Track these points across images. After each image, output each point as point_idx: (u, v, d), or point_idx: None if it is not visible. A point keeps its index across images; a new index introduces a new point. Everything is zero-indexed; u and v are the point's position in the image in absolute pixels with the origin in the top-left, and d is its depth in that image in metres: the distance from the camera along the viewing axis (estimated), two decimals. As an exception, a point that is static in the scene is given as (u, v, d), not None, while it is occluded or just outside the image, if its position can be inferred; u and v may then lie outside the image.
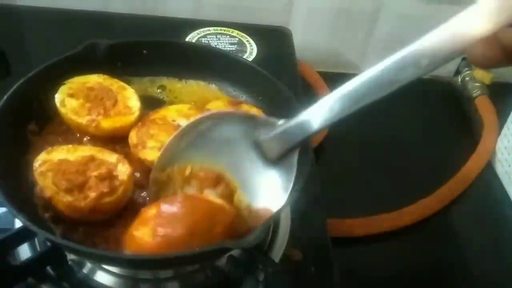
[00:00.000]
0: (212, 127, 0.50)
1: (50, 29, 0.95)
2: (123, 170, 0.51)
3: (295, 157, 0.49)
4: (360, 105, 0.44)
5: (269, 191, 0.50)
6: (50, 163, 0.50)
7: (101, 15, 1.00)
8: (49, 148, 0.52)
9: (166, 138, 0.54)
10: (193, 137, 0.50)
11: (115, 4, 1.01)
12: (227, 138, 0.50)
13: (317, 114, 0.45)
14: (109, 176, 0.50)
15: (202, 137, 0.50)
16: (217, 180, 0.51)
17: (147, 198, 0.53)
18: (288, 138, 0.47)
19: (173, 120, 0.59)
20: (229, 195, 0.51)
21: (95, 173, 0.50)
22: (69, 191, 0.48)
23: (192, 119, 0.51)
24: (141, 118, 0.59)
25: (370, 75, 0.42)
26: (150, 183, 0.51)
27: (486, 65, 0.36)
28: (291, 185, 0.49)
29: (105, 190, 0.49)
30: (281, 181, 0.49)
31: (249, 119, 0.50)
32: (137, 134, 0.57)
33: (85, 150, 0.53)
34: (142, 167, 0.55)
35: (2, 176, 0.47)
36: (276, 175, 0.50)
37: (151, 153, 0.55)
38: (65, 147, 0.53)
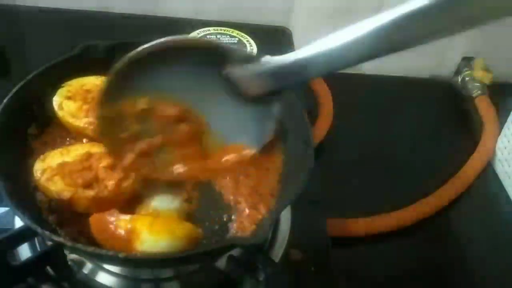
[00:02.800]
0: (174, 55, 0.42)
1: (50, 29, 0.95)
2: (127, 156, 0.51)
3: (275, 106, 0.42)
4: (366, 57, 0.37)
5: (245, 129, 0.43)
6: (50, 169, 0.50)
7: (101, 15, 1.00)
8: (41, 156, 0.52)
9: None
10: (149, 65, 0.42)
11: (115, 4, 1.01)
12: (192, 70, 0.42)
13: (315, 60, 0.38)
14: (117, 163, 0.50)
15: (162, 66, 0.42)
16: (180, 117, 0.44)
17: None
18: (273, 80, 0.40)
19: None
20: (197, 134, 0.44)
21: (102, 164, 0.50)
22: (87, 186, 0.49)
23: (148, 44, 0.42)
24: None
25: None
26: (95, 121, 0.45)
27: None
28: (266, 136, 0.43)
29: (121, 175, 0.49)
30: (255, 128, 0.43)
31: (221, 51, 0.41)
32: None
33: (78, 149, 0.53)
34: None
35: (5, 180, 0.47)
36: (252, 114, 0.43)
37: None
38: (57, 151, 0.53)
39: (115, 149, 0.45)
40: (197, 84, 0.43)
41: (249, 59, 0.41)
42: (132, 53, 0.42)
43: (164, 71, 0.42)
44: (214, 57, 0.41)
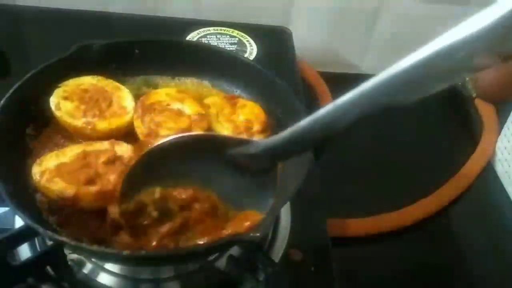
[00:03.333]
0: (178, 149, 0.48)
1: (50, 29, 0.95)
2: (124, 149, 0.53)
3: (276, 170, 0.47)
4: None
5: (252, 198, 0.48)
6: (49, 171, 0.50)
7: (101, 15, 1.00)
8: (37, 160, 0.52)
9: (175, 125, 0.57)
10: (157, 161, 0.48)
11: (115, 4, 1.01)
12: (196, 157, 0.48)
13: (309, 130, 0.39)
14: (116, 158, 0.51)
15: (168, 159, 0.48)
16: (194, 197, 0.49)
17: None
18: (266, 158, 0.45)
19: (168, 105, 0.60)
20: (212, 209, 0.49)
21: (101, 160, 0.51)
22: (90, 182, 0.49)
23: (155, 144, 0.48)
24: (136, 105, 0.60)
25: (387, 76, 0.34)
26: (119, 218, 0.48)
27: (494, 96, 0.32)
28: (271, 200, 0.48)
29: (122, 168, 0.50)
30: (263, 189, 0.48)
31: (219, 139, 0.49)
32: (143, 123, 0.58)
33: (73, 149, 0.54)
34: None
35: (5, 180, 0.47)
36: (257, 183, 0.48)
37: None
38: (52, 153, 0.53)
39: (140, 235, 0.49)
40: (203, 167, 0.48)
41: (243, 143, 0.46)
42: (140, 156, 0.48)
43: (172, 162, 0.48)
44: (214, 143, 0.48)
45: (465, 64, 0.29)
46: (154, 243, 0.48)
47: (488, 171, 0.86)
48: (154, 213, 0.49)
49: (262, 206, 0.48)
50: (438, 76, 0.31)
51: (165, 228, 0.48)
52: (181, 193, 0.49)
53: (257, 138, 0.48)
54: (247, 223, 0.48)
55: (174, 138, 0.48)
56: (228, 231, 0.49)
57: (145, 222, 0.49)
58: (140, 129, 0.58)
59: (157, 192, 0.48)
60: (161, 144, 0.47)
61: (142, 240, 0.48)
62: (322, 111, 0.38)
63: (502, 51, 0.27)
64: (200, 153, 0.48)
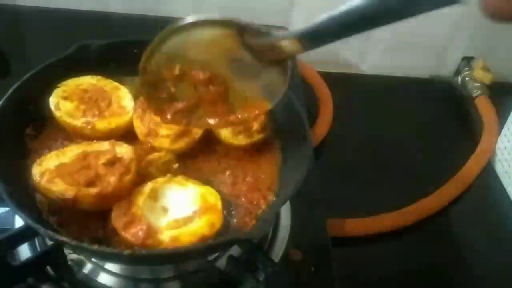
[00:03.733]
0: (198, 32, 0.51)
1: (49, 29, 0.95)
2: (124, 150, 0.53)
3: (289, 63, 0.50)
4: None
5: (264, 87, 0.52)
6: (49, 171, 0.50)
7: (101, 15, 1.00)
8: (37, 160, 0.52)
9: (175, 125, 0.57)
10: (178, 41, 0.51)
11: (115, 4, 1.01)
12: (216, 42, 0.51)
13: (315, 33, 0.45)
14: (116, 159, 0.51)
15: (189, 41, 0.51)
16: (211, 79, 0.52)
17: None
18: (282, 48, 0.47)
19: None
20: (224, 93, 0.53)
21: (101, 161, 0.51)
22: (90, 184, 0.49)
23: (177, 24, 0.51)
24: (136, 104, 0.60)
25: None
26: (140, 87, 0.53)
27: (502, 13, 0.30)
28: (284, 85, 0.51)
29: (121, 170, 0.50)
30: (274, 80, 0.51)
31: (239, 25, 0.50)
32: (143, 123, 0.58)
33: (73, 149, 0.53)
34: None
35: (5, 181, 0.47)
36: (269, 74, 0.51)
37: (165, 141, 0.56)
38: (52, 154, 0.53)
39: (157, 107, 0.54)
40: (220, 53, 0.51)
41: (261, 31, 0.48)
42: (166, 30, 0.50)
43: (194, 43, 0.51)
44: (234, 29, 0.50)
45: None
46: (169, 117, 0.54)
47: (488, 171, 0.86)
48: (172, 88, 0.53)
49: (272, 96, 0.52)
50: None
51: (180, 105, 0.54)
52: (199, 74, 0.52)
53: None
54: (254, 109, 0.53)
55: (196, 19, 0.51)
56: (237, 116, 0.53)
57: (163, 96, 0.53)
58: (140, 129, 0.58)
59: (177, 68, 0.52)
60: (184, 23, 0.50)
61: (159, 113, 0.54)
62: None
63: None
64: (220, 36, 0.50)
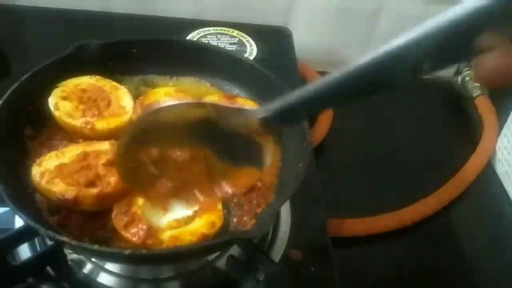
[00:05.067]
0: (171, 115, 0.47)
1: (49, 29, 0.95)
2: None
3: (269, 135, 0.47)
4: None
5: (249, 155, 0.48)
6: (49, 172, 0.50)
7: (100, 15, 1.00)
8: (37, 161, 0.52)
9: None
10: (152, 125, 0.48)
11: (115, 4, 1.01)
12: (190, 123, 0.47)
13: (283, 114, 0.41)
14: None
15: (163, 123, 0.48)
16: (192, 158, 0.49)
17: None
18: (260, 126, 0.44)
19: None
20: (208, 171, 0.50)
21: (102, 162, 0.51)
22: (90, 184, 0.49)
23: (150, 110, 0.49)
24: (135, 104, 0.60)
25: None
26: (117, 171, 0.49)
27: (494, 82, 0.31)
28: (270, 152, 0.48)
29: None
30: (258, 147, 0.48)
31: (213, 107, 0.47)
32: None
33: (73, 150, 0.53)
34: None
35: (5, 181, 0.47)
36: (252, 143, 0.47)
37: None
38: (52, 154, 0.53)
39: (142, 191, 0.50)
40: (197, 131, 0.48)
41: (237, 112, 0.46)
42: (137, 120, 0.49)
43: (167, 127, 0.47)
44: (206, 112, 0.46)
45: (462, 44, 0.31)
46: (158, 199, 0.50)
47: (488, 171, 0.86)
48: (152, 169, 0.49)
49: (259, 163, 0.48)
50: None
51: (164, 189, 0.50)
52: (178, 155, 0.49)
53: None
54: (243, 180, 0.50)
55: (168, 106, 0.47)
56: (225, 187, 0.50)
57: (143, 179, 0.49)
58: None
59: (155, 153, 0.49)
60: (156, 110, 0.47)
61: (143, 195, 0.50)
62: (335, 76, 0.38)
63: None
64: (196, 119, 0.47)
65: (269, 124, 0.43)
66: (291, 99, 0.41)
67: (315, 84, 0.39)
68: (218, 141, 0.48)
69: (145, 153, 0.49)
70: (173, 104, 0.47)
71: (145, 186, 0.50)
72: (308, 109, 0.42)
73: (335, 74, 0.37)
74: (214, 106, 0.47)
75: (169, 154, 0.49)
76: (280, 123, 0.44)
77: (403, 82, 0.35)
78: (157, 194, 0.50)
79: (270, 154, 0.48)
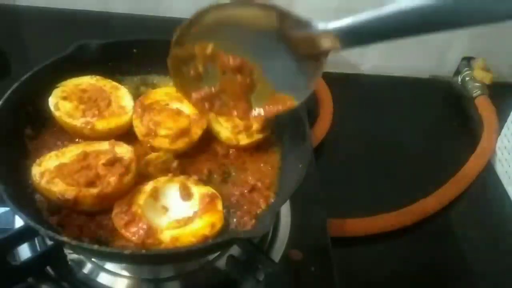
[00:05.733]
0: (238, 14, 0.49)
1: (49, 29, 0.95)
2: (124, 151, 0.53)
3: (324, 59, 0.47)
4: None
5: (293, 82, 0.50)
6: (49, 172, 0.50)
7: (101, 15, 1.00)
8: (37, 161, 0.52)
9: (174, 125, 0.57)
10: (217, 19, 0.49)
11: (115, 4, 1.01)
12: (253, 27, 0.49)
13: (357, 30, 0.43)
14: (116, 159, 0.51)
15: (227, 20, 0.49)
16: (240, 67, 0.51)
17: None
18: (320, 43, 0.45)
19: (167, 104, 0.60)
20: (249, 85, 0.52)
21: (102, 162, 0.51)
22: (90, 184, 0.49)
23: (218, 3, 0.50)
24: (135, 104, 0.60)
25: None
26: (169, 60, 0.52)
27: None
28: (314, 82, 0.49)
29: (121, 170, 0.50)
30: (305, 76, 0.49)
31: (281, 14, 0.48)
32: (142, 123, 0.58)
33: (73, 150, 0.53)
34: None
35: (5, 181, 0.47)
36: (301, 69, 0.49)
37: (164, 141, 0.56)
38: (52, 154, 0.53)
39: (182, 85, 0.54)
40: (256, 40, 0.49)
41: (301, 22, 0.46)
42: (207, 6, 0.49)
43: (230, 26, 0.49)
44: (274, 16, 0.47)
45: None
46: (193, 100, 0.54)
47: (488, 171, 0.86)
48: (200, 68, 0.52)
49: (300, 93, 0.50)
50: None
51: (205, 90, 0.53)
52: (230, 59, 0.51)
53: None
54: (279, 107, 0.52)
55: (237, 2, 0.49)
56: (258, 113, 0.53)
57: (190, 73, 0.52)
58: (139, 129, 0.57)
59: (210, 47, 0.51)
60: (224, 4, 0.49)
61: (183, 93, 0.54)
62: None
63: None
64: (257, 24, 0.48)
65: (341, 37, 0.43)
66: (362, 20, 0.42)
67: (388, 8, 0.39)
68: (272, 58, 0.50)
69: (201, 46, 0.51)
70: (243, 1, 0.48)
71: (187, 83, 0.53)
72: (379, 33, 0.42)
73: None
74: (282, 10, 0.47)
75: (221, 56, 0.51)
76: (351, 39, 0.44)
77: None
78: (196, 95, 0.53)
79: (310, 85, 0.49)
